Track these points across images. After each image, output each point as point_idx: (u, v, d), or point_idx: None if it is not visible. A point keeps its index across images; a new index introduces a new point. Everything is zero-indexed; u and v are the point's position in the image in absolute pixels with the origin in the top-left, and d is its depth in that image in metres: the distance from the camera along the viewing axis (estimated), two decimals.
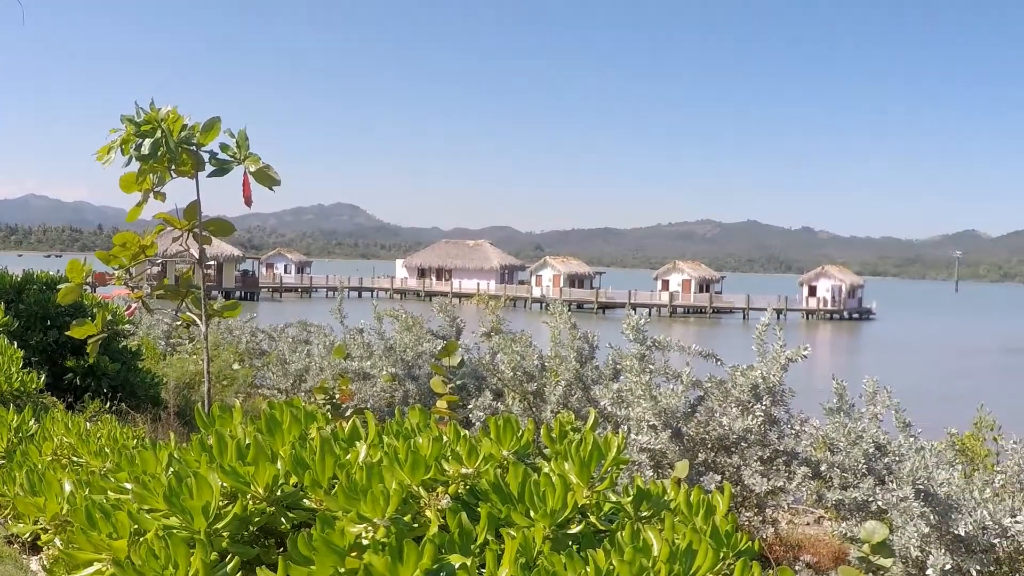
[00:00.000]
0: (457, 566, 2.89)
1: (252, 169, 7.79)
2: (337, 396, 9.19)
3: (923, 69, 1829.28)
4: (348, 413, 8.73)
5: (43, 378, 10.62)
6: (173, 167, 7.95)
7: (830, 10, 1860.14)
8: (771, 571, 10.01)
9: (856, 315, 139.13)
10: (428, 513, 3.18)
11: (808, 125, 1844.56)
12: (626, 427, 9.86)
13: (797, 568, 9.48)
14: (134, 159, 7.82)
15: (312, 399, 9.29)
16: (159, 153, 7.67)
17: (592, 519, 3.37)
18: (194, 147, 7.88)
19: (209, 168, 8.03)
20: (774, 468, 9.92)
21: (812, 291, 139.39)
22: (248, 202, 7.98)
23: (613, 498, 3.57)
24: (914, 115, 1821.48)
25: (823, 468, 9.49)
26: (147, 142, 7.58)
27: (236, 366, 19.12)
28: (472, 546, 3.02)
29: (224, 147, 7.94)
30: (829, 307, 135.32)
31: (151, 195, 8.18)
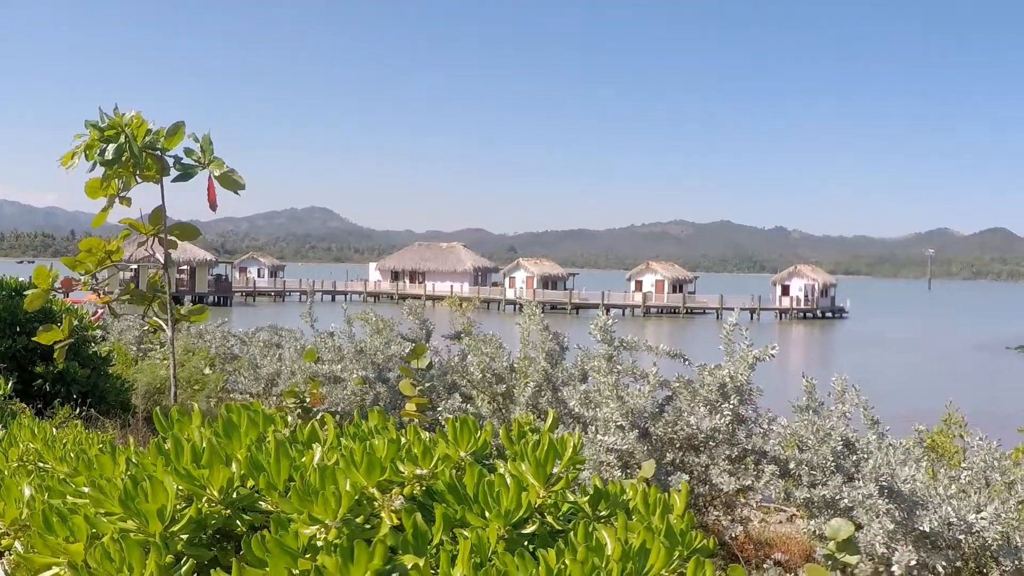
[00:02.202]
0: (410, 566, 2.89)
1: (216, 173, 7.79)
2: (308, 400, 9.19)
3: (893, 69, 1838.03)
4: (319, 416, 8.73)
5: (11, 384, 10.59)
6: (138, 172, 7.95)
7: (802, 12, 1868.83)
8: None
9: (829, 314, 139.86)
10: (383, 514, 3.19)
11: (781, 125, 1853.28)
12: (594, 427, 9.89)
13: (766, 566, 9.52)
14: (98, 164, 7.81)
15: (283, 402, 9.30)
16: (123, 158, 7.66)
17: (549, 519, 3.38)
18: (159, 152, 7.88)
19: (174, 173, 8.03)
20: (742, 467, 9.96)
21: (785, 291, 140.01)
22: (213, 206, 7.98)
23: (571, 498, 3.58)
24: (886, 115, 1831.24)
25: (792, 466, 9.52)
26: (111, 147, 7.58)
27: (207, 371, 19.10)
28: (427, 546, 3.03)
29: (189, 152, 7.94)
30: (802, 306, 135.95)
31: (117, 200, 8.17)
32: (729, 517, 10.27)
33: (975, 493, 8.86)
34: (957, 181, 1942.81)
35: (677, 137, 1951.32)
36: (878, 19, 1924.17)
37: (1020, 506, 8.81)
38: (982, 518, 8.10)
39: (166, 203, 8.25)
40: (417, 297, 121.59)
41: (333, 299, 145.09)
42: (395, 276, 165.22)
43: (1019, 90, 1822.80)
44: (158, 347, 20.43)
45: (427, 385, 10.34)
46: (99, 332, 17.93)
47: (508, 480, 3.25)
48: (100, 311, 10.40)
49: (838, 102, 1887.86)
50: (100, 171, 7.87)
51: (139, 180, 8.03)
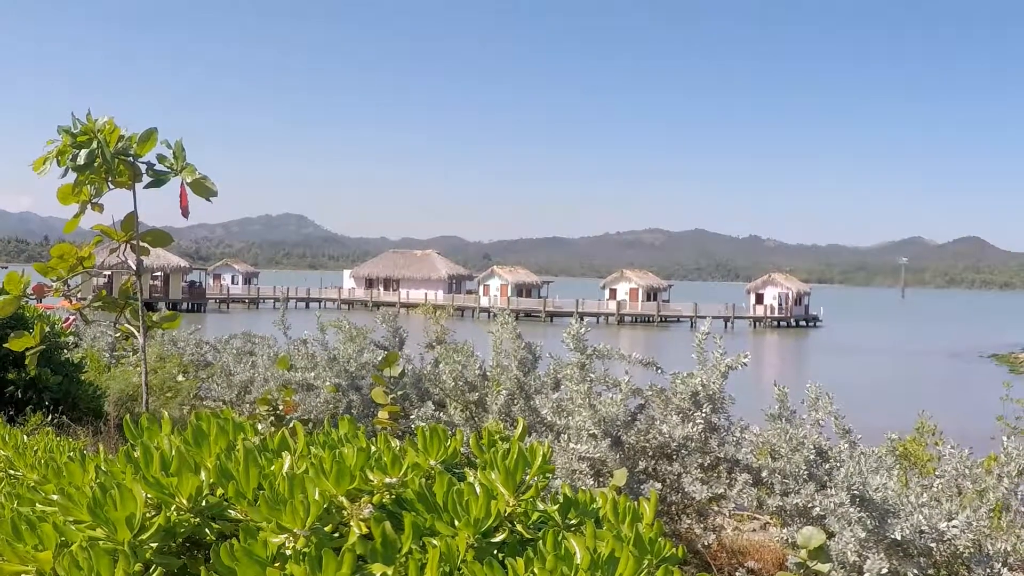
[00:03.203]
0: (378, 575, 2.90)
1: (188, 180, 7.78)
2: (281, 407, 9.17)
3: (866, 78, 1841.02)
4: (291, 424, 8.71)
5: None
6: (110, 178, 7.93)
7: (774, 18, 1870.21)
8: None
9: (803, 322, 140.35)
10: (352, 523, 3.19)
11: (755, 133, 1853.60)
12: (566, 436, 9.90)
13: (738, 574, 9.52)
14: (71, 170, 7.80)
15: (256, 410, 9.28)
16: (95, 164, 7.64)
17: (519, 528, 3.38)
18: (131, 158, 7.86)
19: (147, 179, 8.01)
20: (715, 475, 9.98)
21: (759, 299, 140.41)
22: (185, 213, 7.97)
23: (541, 506, 3.58)
24: (859, 123, 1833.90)
25: (764, 474, 9.55)
26: (83, 153, 7.56)
27: (180, 378, 19.08)
28: (396, 555, 3.02)
29: (161, 158, 7.93)
30: (776, 314, 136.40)
31: (89, 206, 8.15)
32: (702, 525, 10.29)
33: (947, 501, 8.89)
34: (931, 190, 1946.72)
35: (651, 145, 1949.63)
36: (851, 23, 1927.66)
37: (992, 514, 8.85)
38: (953, 526, 8.13)
39: (139, 209, 8.24)
40: (391, 304, 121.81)
41: (307, 306, 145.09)
42: (369, 283, 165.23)
43: (992, 97, 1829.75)
44: (131, 354, 20.39)
45: (400, 393, 10.34)
46: (72, 339, 17.88)
47: (477, 489, 3.25)
48: (72, 318, 10.38)
49: (813, 110, 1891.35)
50: (72, 177, 7.85)
51: (111, 186, 8.00)
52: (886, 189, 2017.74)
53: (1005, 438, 9.06)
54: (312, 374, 13.73)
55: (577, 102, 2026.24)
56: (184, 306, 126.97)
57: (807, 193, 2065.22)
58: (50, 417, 12.62)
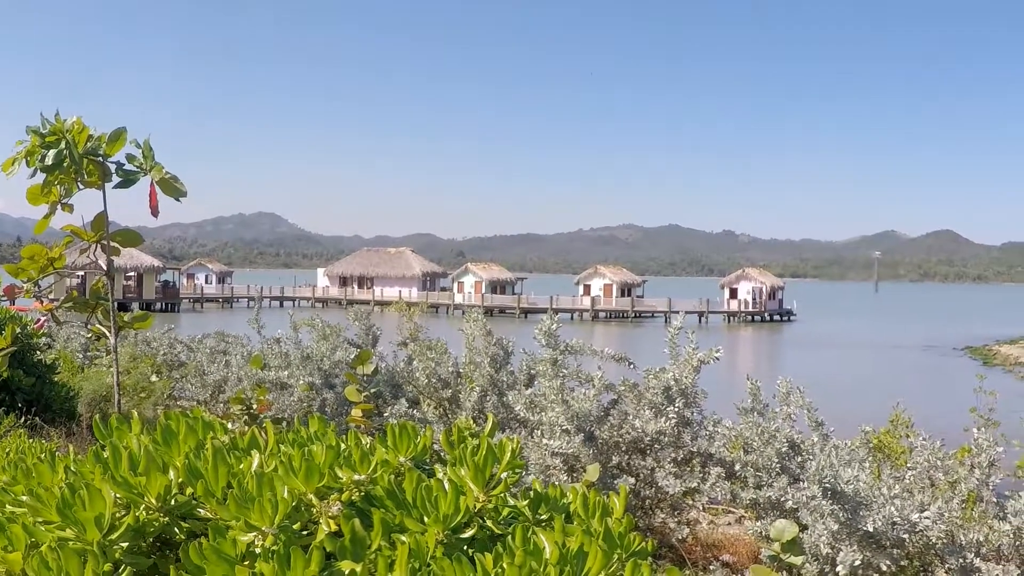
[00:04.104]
0: (347, 572, 2.90)
1: (157, 179, 7.75)
2: (254, 406, 9.14)
3: (838, 74, 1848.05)
4: (265, 424, 8.68)
5: None
6: (79, 178, 7.90)
7: (744, 17, 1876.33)
8: (687, 571, 10.10)
9: (777, 316, 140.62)
10: (321, 521, 3.19)
11: (728, 129, 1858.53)
12: (540, 432, 9.91)
13: (713, 568, 9.55)
14: (39, 171, 7.76)
15: (230, 409, 9.25)
16: (64, 164, 7.61)
17: (489, 523, 3.38)
18: (100, 158, 7.83)
19: (116, 179, 7.98)
20: (688, 469, 10.00)
21: (733, 294, 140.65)
22: (155, 212, 7.93)
23: (511, 502, 3.58)
24: (833, 118, 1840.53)
25: (737, 468, 9.57)
26: (50, 153, 7.52)
27: (154, 378, 19.03)
28: (365, 552, 3.03)
29: (131, 158, 7.89)
30: (750, 309, 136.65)
31: (60, 207, 8.12)
32: (676, 519, 10.30)
33: (919, 492, 8.93)
34: (904, 184, 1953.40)
35: (625, 141, 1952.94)
36: (825, 20, 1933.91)
37: (964, 505, 8.88)
38: (925, 517, 8.16)
39: (109, 209, 8.20)
40: (366, 302, 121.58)
41: (281, 305, 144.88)
42: (343, 281, 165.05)
43: (964, 92, 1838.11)
44: (104, 355, 20.33)
45: (373, 391, 10.33)
46: (44, 340, 17.83)
47: (446, 485, 3.25)
48: (43, 319, 10.33)
49: (785, 106, 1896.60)
50: (42, 177, 7.82)
51: (81, 187, 7.97)
52: (859, 184, 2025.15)
53: (976, 430, 9.10)
54: (286, 373, 13.72)
55: (551, 100, 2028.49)
56: (158, 306, 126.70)
57: (781, 188, 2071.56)
58: (23, 419, 12.57)
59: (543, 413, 10.14)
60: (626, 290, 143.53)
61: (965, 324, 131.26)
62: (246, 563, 2.98)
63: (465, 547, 3.21)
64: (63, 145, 7.54)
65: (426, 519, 3.16)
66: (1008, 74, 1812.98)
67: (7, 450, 5.87)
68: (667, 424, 9.89)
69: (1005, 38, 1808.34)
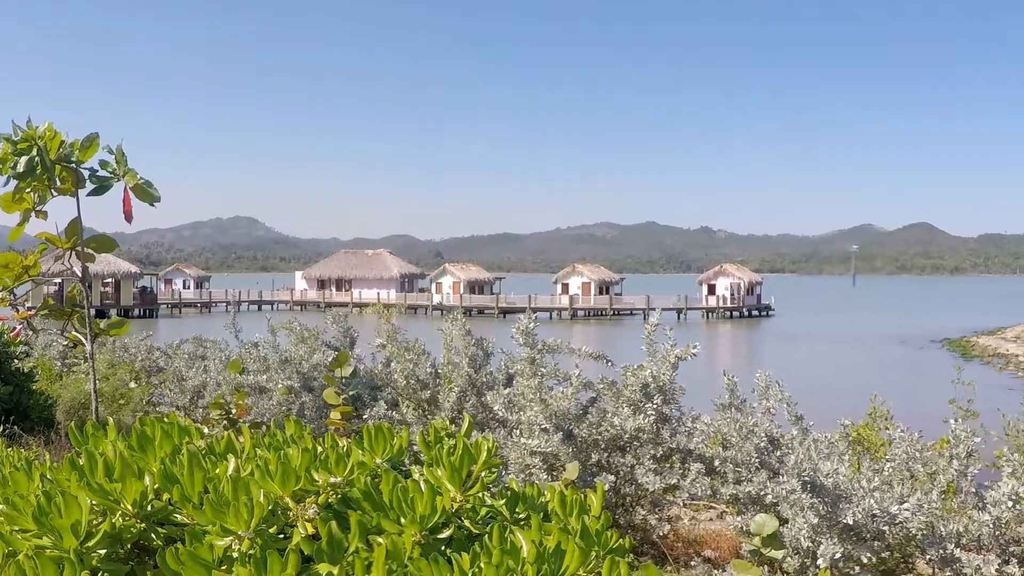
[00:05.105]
0: (324, 575, 2.90)
1: (131, 185, 7.73)
2: (233, 411, 9.13)
3: (813, 67, 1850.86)
4: (241, 428, 8.66)
5: None
6: (53, 185, 7.87)
7: (722, 12, 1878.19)
8: (668, 567, 10.12)
9: (755, 312, 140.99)
10: (298, 524, 3.18)
11: (703, 125, 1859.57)
12: (519, 431, 9.92)
13: (694, 563, 9.56)
14: (12, 178, 7.73)
15: (209, 414, 9.24)
16: (37, 171, 7.59)
17: (467, 523, 3.38)
18: (73, 164, 7.80)
19: (90, 185, 7.95)
20: (668, 465, 10.01)
21: (711, 290, 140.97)
22: (128, 218, 7.91)
23: (489, 502, 3.59)
24: (808, 112, 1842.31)
25: (717, 463, 9.59)
26: (22, 160, 7.50)
27: (132, 384, 18.96)
28: (342, 554, 3.03)
29: (104, 164, 7.87)
30: (728, 305, 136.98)
31: (33, 214, 8.09)
32: (657, 516, 10.30)
33: (899, 484, 8.96)
34: (880, 178, 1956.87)
35: (601, 138, 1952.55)
36: (796, 14, 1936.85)
37: (943, 496, 8.92)
38: (905, 509, 8.18)
39: (86, 216, 8.18)
40: (344, 305, 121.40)
41: (260, 308, 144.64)
42: (321, 284, 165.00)
43: (937, 84, 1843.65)
44: (82, 362, 20.26)
45: (352, 393, 10.32)
46: (23, 348, 17.78)
47: (423, 486, 3.25)
48: (19, 327, 10.30)
49: (758, 101, 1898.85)
50: (14, 185, 7.79)
51: (55, 193, 7.94)
52: (835, 178, 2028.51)
53: (953, 421, 9.13)
54: (264, 377, 13.68)
55: (526, 99, 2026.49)
56: (136, 312, 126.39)
57: (757, 184, 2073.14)
58: (1, 428, 12.54)
59: (522, 412, 10.14)
60: (604, 288, 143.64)
61: (943, 316, 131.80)
62: (223, 567, 2.98)
63: (442, 547, 3.21)
64: (35, 152, 7.52)
65: (403, 520, 3.16)
66: (982, 67, 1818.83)
67: None
68: (646, 421, 9.91)
69: (977, 31, 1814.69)
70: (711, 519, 12.99)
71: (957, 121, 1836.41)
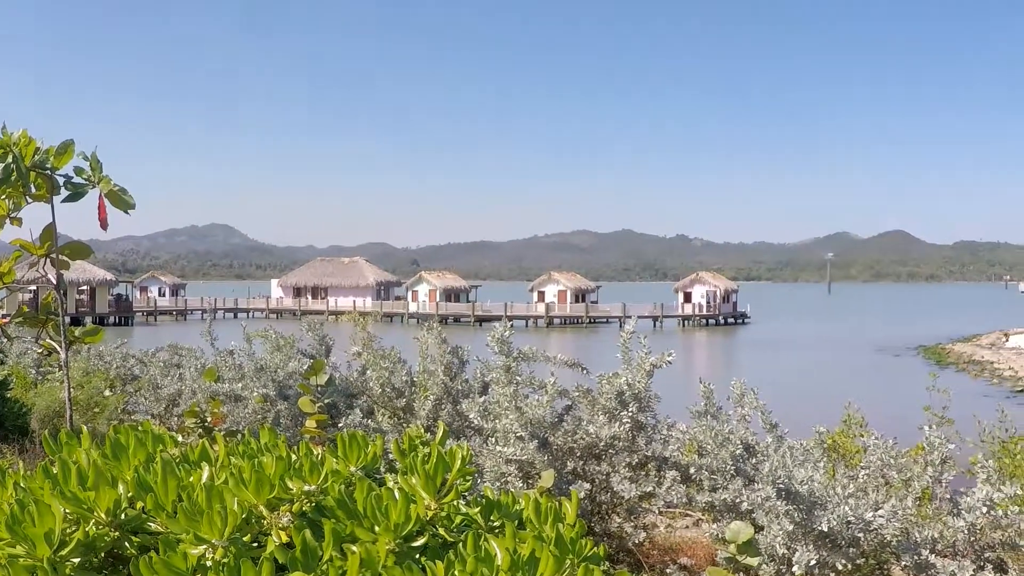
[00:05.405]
0: None
1: (106, 191, 7.71)
2: (209, 419, 9.12)
3: (786, 77, 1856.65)
4: (215, 436, 8.63)
5: None
6: (27, 192, 7.85)
7: (697, 17, 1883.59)
8: (644, 574, 10.13)
9: (731, 319, 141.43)
10: (272, 532, 3.18)
11: (680, 134, 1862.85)
12: (494, 439, 9.91)
13: (670, 571, 9.56)
14: None
15: (184, 423, 9.23)
16: (11, 178, 7.57)
17: (441, 531, 3.39)
18: (48, 171, 7.78)
19: (65, 192, 7.93)
20: (644, 473, 10.01)
21: (687, 297, 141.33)
22: (104, 225, 7.89)
23: (464, 509, 3.59)
24: (781, 121, 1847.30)
25: (692, 471, 9.60)
26: None
27: (107, 392, 18.90)
28: (317, 563, 3.02)
29: (79, 170, 7.85)
30: (704, 312, 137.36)
31: (8, 221, 8.07)
32: (632, 524, 10.31)
33: (873, 491, 8.99)
34: (855, 185, 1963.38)
35: (578, 147, 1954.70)
36: (773, 20, 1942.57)
37: (918, 503, 8.94)
38: (880, 515, 8.20)
39: (61, 222, 8.16)
40: (320, 313, 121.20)
41: (235, 316, 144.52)
42: (297, 292, 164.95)
43: (913, 93, 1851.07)
44: (57, 370, 20.19)
45: (327, 401, 10.30)
46: None
47: (397, 494, 3.25)
48: None
49: (734, 109, 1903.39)
50: None
51: (29, 200, 7.92)
52: (811, 186, 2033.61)
53: (928, 428, 9.15)
54: (239, 385, 13.64)
55: (503, 108, 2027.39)
56: (111, 319, 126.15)
57: (733, 192, 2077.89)
58: None
59: (497, 420, 10.13)
60: (580, 296, 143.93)
61: (918, 324, 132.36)
62: (197, 575, 2.97)
63: (417, 555, 3.22)
64: (10, 159, 7.49)
65: (377, 528, 3.16)
66: (958, 75, 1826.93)
67: None
68: (621, 429, 9.90)
69: (953, 37, 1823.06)
70: (687, 526, 13.00)
71: (932, 129, 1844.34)
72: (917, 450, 10.05)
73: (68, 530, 3.25)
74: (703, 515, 11.86)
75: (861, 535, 8.26)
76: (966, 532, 8.31)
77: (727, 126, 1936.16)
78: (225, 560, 2.93)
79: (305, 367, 11.40)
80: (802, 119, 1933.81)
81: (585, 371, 10.73)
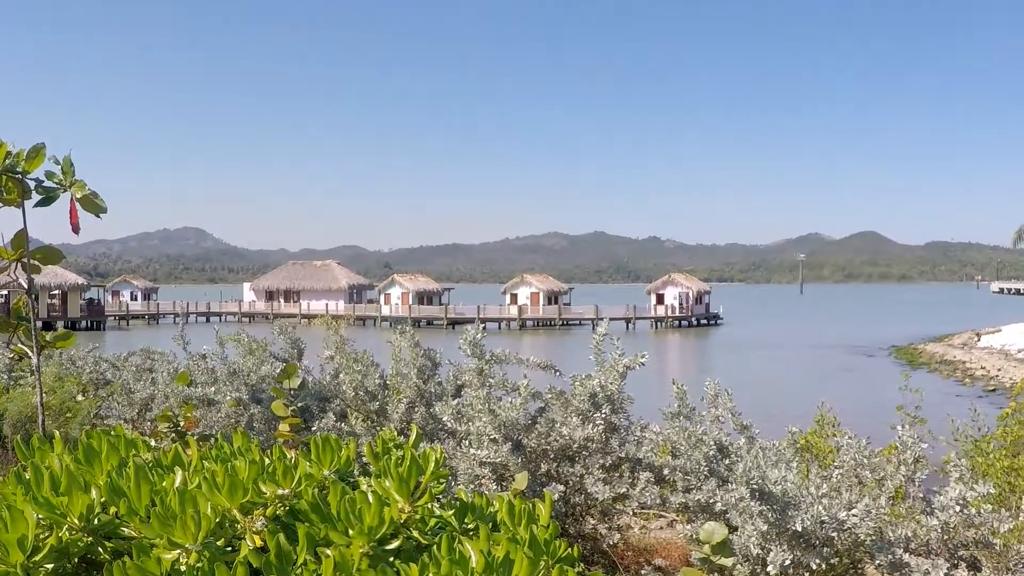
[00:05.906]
0: None
1: (78, 196, 7.68)
2: (182, 423, 9.08)
3: (756, 77, 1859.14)
4: (188, 440, 8.60)
5: None
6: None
7: (665, 18, 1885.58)
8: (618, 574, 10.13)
9: (704, 321, 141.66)
10: (246, 536, 3.18)
11: (650, 135, 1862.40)
12: (468, 442, 9.91)
13: (644, 572, 9.56)
14: None
15: (157, 427, 9.19)
16: None
17: (415, 534, 3.38)
18: (19, 175, 7.75)
19: (36, 196, 7.90)
20: (617, 475, 10.02)
21: (660, 299, 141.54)
22: (76, 229, 7.87)
23: (438, 512, 3.59)
24: (753, 121, 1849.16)
25: (666, 472, 9.62)
26: None
27: (80, 397, 18.82)
28: (290, 567, 3.02)
29: (50, 174, 7.82)
30: (677, 314, 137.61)
31: None
32: (606, 525, 10.32)
33: (847, 491, 9.01)
34: (826, 187, 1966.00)
35: (549, 149, 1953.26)
36: (744, 27, 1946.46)
37: (892, 502, 8.97)
38: (853, 515, 8.22)
39: (32, 227, 8.13)
40: (292, 316, 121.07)
41: (208, 320, 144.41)
42: (269, 295, 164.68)
43: (883, 95, 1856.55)
44: (29, 375, 20.10)
45: (300, 405, 10.29)
46: None
47: (370, 497, 3.25)
48: None
49: (704, 111, 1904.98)
50: None
51: (1, 204, 7.89)
52: (782, 187, 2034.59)
53: (900, 427, 9.18)
54: (212, 389, 13.61)
55: (473, 110, 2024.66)
56: (83, 324, 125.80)
57: (705, 193, 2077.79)
58: None
59: (471, 423, 10.13)
60: (553, 298, 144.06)
61: (890, 324, 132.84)
62: None
63: (391, 558, 3.21)
64: None
65: (351, 531, 3.16)
66: (927, 77, 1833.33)
67: None
68: (594, 431, 9.91)
69: (924, 40, 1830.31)
70: (661, 528, 13.02)
71: (903, 131, 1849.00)
72: (890, 449, 10.08)
73: (41, 536, 3.23)
74: (677, 516, 11.88)
75: (835, 534, 8.29)
76: (939, 531, 8.34)
77: (699, 129, 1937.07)
78: (199, 564, 2.92)
79: (278, 371, 11.37)
80: (774, 120, 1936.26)
81: (558, 373, 10.73)
